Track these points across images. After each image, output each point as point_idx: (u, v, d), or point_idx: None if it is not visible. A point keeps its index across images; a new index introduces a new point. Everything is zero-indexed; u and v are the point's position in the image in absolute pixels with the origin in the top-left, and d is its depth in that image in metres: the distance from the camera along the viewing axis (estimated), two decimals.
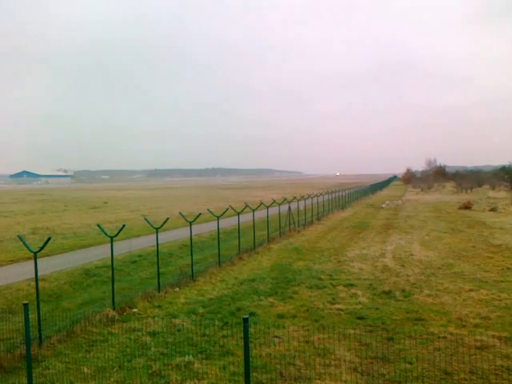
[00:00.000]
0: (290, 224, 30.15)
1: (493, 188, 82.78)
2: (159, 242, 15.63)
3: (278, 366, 8.79)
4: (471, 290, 14.11)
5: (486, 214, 39.39)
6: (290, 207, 30.66)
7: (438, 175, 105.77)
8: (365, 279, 15.88)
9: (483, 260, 18.92)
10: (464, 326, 10.92)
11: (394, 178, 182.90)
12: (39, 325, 10.35)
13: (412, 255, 20.22)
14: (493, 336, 10.09)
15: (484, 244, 23.01)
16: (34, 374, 7.87)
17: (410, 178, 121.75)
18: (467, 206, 43.93)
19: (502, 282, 15.22)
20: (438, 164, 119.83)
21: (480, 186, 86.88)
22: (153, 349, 9.80)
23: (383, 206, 50.47)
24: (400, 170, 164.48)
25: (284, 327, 10.93)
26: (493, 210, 41.55)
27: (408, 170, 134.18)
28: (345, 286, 14.94)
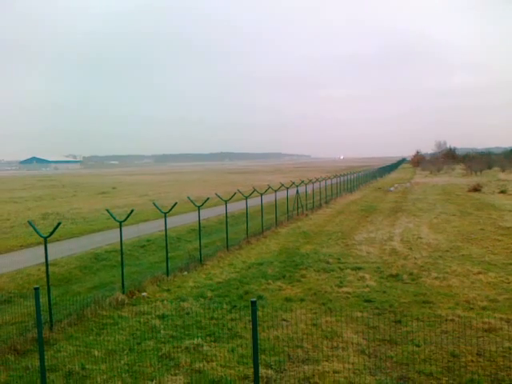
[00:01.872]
0: (297, 208, 30.15)
1: (503, 170, 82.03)
2: (168, 227, 15.71)
3: (286, 349, 8.87)
4: (479, 273, 14.08)
5: (495, 196, 39.08)
6: (297, 191, 30.62)
7: (448, 158, 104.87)
8: (372, 262, 15.89)
9: (492, 242, 18.83)
10: (472, 308, 10.92)
11: (403, 160, 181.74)
12: (50, 309, 10.51)
13: (420, 238, 20.17)
14: (500, 318, 10.09)
15: (493, 226, 22.88)
16: (45, 357, 8.00)
17: (419, 161, 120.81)
18: (476, 189, 43.55)
19: (511, 264, 15.15)
20: (447, 146, 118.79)
21: (490, 168, 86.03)
22: (162, 332, 9.92)
23: (391, 189, 50.24)
24: (409, 153, 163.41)
25: (292, 310, 11.01)
26: (502, 192, 41.20)
27: (417, 152, 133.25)
28: (352, 269, 14.96)
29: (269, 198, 27.08)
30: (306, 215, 29.57)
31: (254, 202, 24.74)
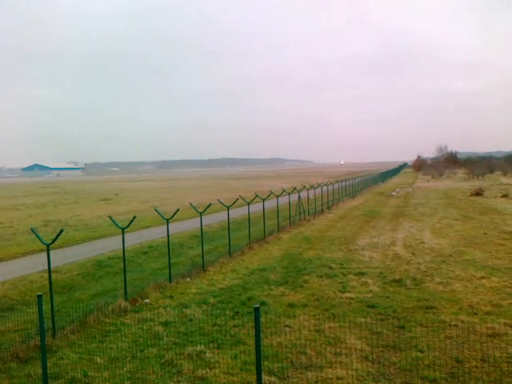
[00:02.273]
0: (299, 213, 30.13)
1: (504, 174, 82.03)
2: (170, 233, 15.71)
3: (289, 355, 8.84)
4: (483, 278, 14.03)
5: (497, 200, 39.02)
6: (299, 196, 30.61)
7: (449, 162, 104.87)
8: (375, 268, 15.85)
9: (495, 247, 18.78)
10: (475, 313, 10.87)
11: (405, 165, 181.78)
12: (53, 316, 10.49)
13: (423, 243, 20.13)
14: (504, 324, 10.04)
15: (496, 231, 22.83)
16: (48, 364, 7.99)
17: (420, 165, 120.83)
18: (479, 193, 43.54)
19: None
20: (448, 150, 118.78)
21: (492, 172, 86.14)
22: (165, 339, 9.90)
23: (393, 193, 50.21)
24: (411, 157, 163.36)
25: (295, 316, 10.97)
26: (505, 196, 41.14)
27: (418, 157, 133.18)
28: (355, 274, 14.93)
29: (271, 204, 27.08)
30: (308, 220, 29.55)
31: (255, 207, 24.74)
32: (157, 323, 10.86)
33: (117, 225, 13.60)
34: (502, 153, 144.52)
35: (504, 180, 68.70)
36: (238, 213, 27.64)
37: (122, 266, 13.90)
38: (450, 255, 17.49)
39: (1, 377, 8.50)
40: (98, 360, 8.93)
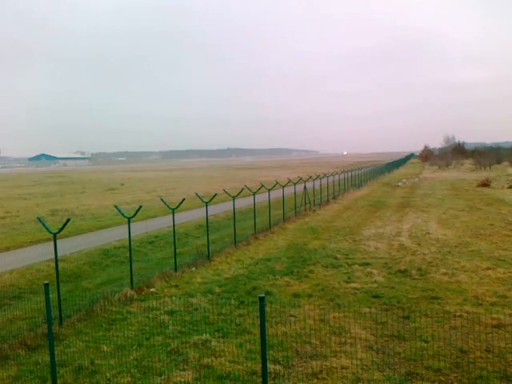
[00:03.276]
0: (305, 203, 30.11)
1: None
2: (176, 223, 15.76)
3: (294, 344, 8.89)
4: (488, 269, 14.00)
5: (504, 191, 38.78)
6: (305, 186, 30.58)
7: (456, 152, 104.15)
8: (380, 258, 15.85)
9: (501, 238, 18.70)
10: (480, 304, 10.86)
11: (412, 155, 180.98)
12: (59, 304, 10.59)
13: (429, 234, 20.08)
14: (510, 315, 10.03)
15: (502, 222, 22.72)
16: (55, 352, 8.07)
17: (427, 156, 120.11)
18: (485, 184, 43.28)
19: None
20: (456, 141, 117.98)
21: (499, 162, 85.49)
22: (171, 327, 9.98)
23: (400, 184, 50.02)
24: (418, 148, 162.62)
25: (300, 306, 11.01)
26: None
27: (425, 147, 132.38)
28: (360, 265, 14.94)
29: (276, 194, 27.06)
30: (314, 211, 29.53)
31: (261, 197, 24.75)
32: (162, 312, 10.94)
33: (123, 214, 13.66)
34: (510, 143, 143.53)
35: (511, 171, 68.18)
36: (244, 203, 27.66)
37: (128, 255, 13.98)
38: (456, 246, 17.45)
39: (10, 364, 8.63)
40: (105, 348, 9.02)
